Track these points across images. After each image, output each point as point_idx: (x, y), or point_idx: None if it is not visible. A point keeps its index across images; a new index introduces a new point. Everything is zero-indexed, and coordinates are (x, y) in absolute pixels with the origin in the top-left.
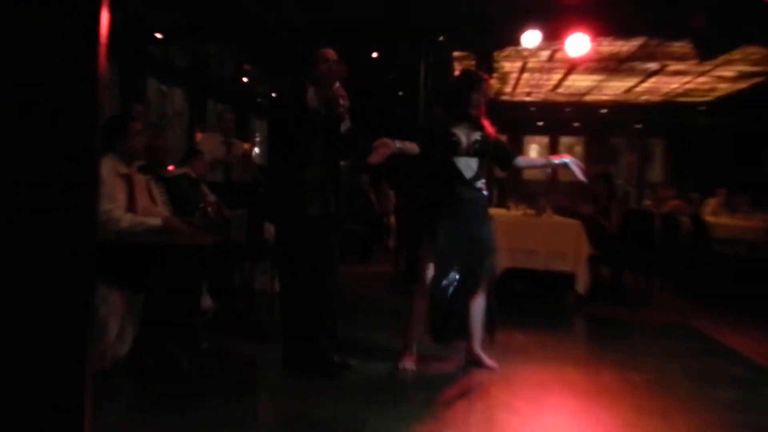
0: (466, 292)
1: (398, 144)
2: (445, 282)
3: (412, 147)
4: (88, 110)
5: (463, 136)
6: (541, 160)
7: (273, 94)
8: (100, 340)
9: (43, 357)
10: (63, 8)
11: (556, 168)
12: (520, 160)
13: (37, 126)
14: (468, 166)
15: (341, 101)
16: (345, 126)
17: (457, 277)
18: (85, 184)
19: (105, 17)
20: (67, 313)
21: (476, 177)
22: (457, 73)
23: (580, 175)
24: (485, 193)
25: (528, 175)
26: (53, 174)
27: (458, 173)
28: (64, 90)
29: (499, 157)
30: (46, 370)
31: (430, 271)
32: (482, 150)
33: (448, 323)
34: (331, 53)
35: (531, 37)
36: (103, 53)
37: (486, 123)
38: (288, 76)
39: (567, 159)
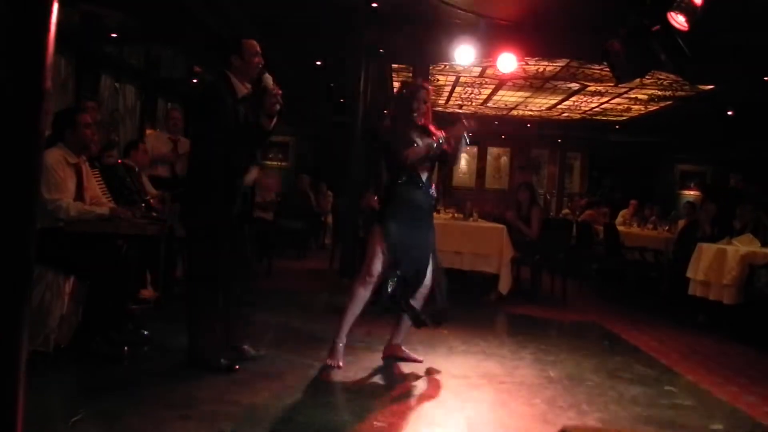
0: (406, 290)
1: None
2: (391, 280)
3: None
4: (33, 96)
5: (420, 141)
6: (423, 146)
7: (194, 80)
8: (45, 324)
9: None
10: None
11: (440, 147)
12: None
13: None
14: (427, 171)
15: (276, 100)
16: (272, 124)
17: (399, 275)
18: (26, 170)
19: (55, 7)
20: (3, 300)
21: (429, 181)
22: (397, 85)
23: (464, 140)
24: (435, 196)
25: (457, 181)
26: None
27: (415, 178)
28: (11, 75)
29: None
30: None
31: (377, 265)
32: (435, 156)
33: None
34: (253, 45)
35: (464, 54)
36: (52, 42)
37: (433, 128)
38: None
39: (442, 136)
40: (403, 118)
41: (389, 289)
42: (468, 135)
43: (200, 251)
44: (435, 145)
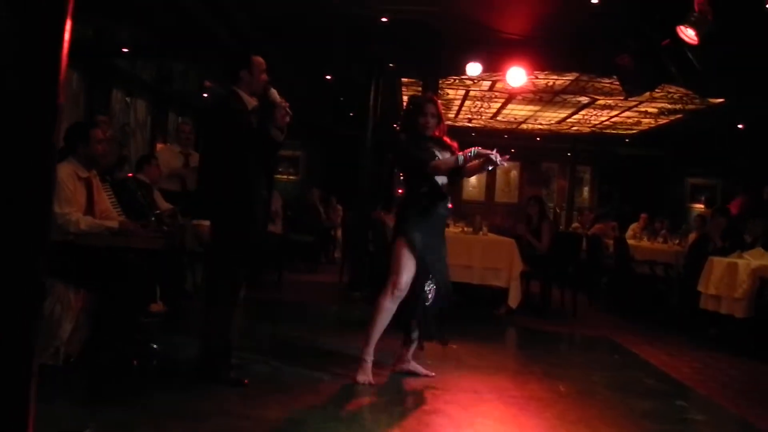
0: (440, 300)
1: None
2: (425, 290)
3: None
4: (47, 111)
5: (439, 154)
6: (452, 157)
7: (205, 95)
8: (55, 337)
9: None
10: (28, 13)
11: (469, 160)
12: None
13: None
14: (443, 183)
15: (286, 112)
16: (281, 137)
17: (433, 286)
18: (40, 184)
19: (68, 24)
20: (15, 312)
21: (447, 194)
22: (406, 99)
23: (497, 159)
24: (451, 207)
25: (467, 195)
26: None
27: (438, 189)
28: (25, 90)
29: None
30: None
31: (406, 278)
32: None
33: (429, 325)
34: (261, 62)
35: (473, 68)
36: (65, 57)
37: (447, 140)
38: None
39: (475, 149)
40: (414, 131)
41: (427, 301)
42: (495, 165)
43: (220, 267)
44: (464, 157)
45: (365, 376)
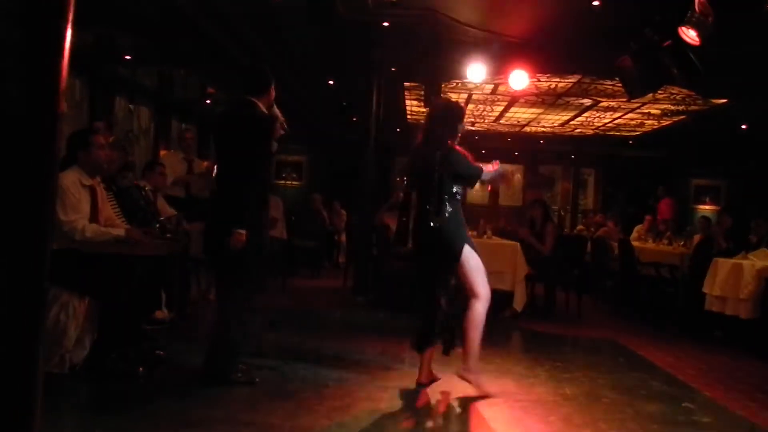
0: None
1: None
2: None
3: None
4: (48, 119)
5: None
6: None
7: (207, 101)
8: (60, 345)
9: None
10: (29, 21)
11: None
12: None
13: None
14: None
15: (282, 125)
16: (275, 148)
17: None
18: (42, 192)
19: (69, 32)
20: (19, 320)
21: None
22: (438, 104)
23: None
24: None
25: (470, 198)
26: (10, 181)
27: (462, 194)
28: (26, 99)
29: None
30: None
31: (484, 282)
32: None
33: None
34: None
35: (476, 71)
36: (66, 65)
37: (459, 148)
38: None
39: (498, 168)
40: (454, 138)
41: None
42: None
43: (231, 277)
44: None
45: (482, 390)
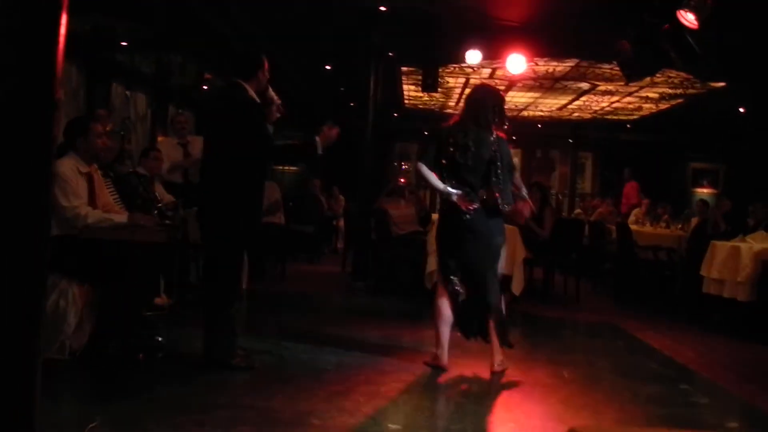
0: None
1: None
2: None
3: None
4: (44, 106)
5: None
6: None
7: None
8: (60, 331)
9: None
10: (25, 7)
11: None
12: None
13: None
14: None
15: (278, 108)
16: (271, 131)
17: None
18: (39, 179)
19: (64, 19)
20: (18, 307)
21: None
22: (481, 88)
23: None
24: None
25: None
26: (8, 169)
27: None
28: (23, 86)
29: None
30: None
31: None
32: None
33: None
34: (265, 61)
35: (473, 55)
36: (61, 52)
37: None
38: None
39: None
40: (489, 120)
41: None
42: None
43: (223, 261)
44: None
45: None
